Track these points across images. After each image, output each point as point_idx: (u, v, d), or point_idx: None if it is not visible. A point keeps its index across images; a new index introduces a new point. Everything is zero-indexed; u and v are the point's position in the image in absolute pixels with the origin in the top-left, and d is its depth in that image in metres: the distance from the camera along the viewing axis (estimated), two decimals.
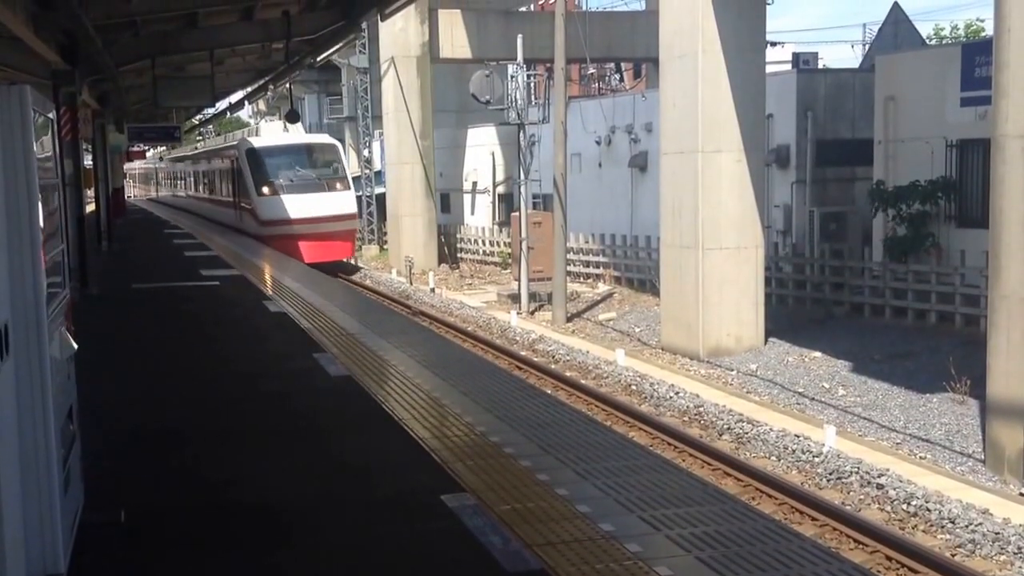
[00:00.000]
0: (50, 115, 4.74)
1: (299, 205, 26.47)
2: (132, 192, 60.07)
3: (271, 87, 29.35)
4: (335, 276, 23.18)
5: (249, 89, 30.58)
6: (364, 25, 24.88)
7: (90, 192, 22.77)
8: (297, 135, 30.67)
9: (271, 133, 31.28)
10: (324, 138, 30.93)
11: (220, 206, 32.53)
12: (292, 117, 27.95)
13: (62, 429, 4.30)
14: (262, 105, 53.89)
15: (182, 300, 14.08)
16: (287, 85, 30.96)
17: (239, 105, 37.44)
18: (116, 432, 6.89)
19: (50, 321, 4.13)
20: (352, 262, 30.67)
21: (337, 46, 22.30)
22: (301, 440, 6.69)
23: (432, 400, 7.49)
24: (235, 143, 30.75)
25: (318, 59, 22.61)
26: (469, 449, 6.24)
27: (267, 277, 16.42)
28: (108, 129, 25.85)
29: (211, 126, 48.58)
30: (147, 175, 61.27)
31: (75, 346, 4.65)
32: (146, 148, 48.82)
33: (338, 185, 27.54)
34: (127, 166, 47.96)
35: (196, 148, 44.46)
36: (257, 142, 28.84)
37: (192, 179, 40.31)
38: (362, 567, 4.65)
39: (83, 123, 16.43)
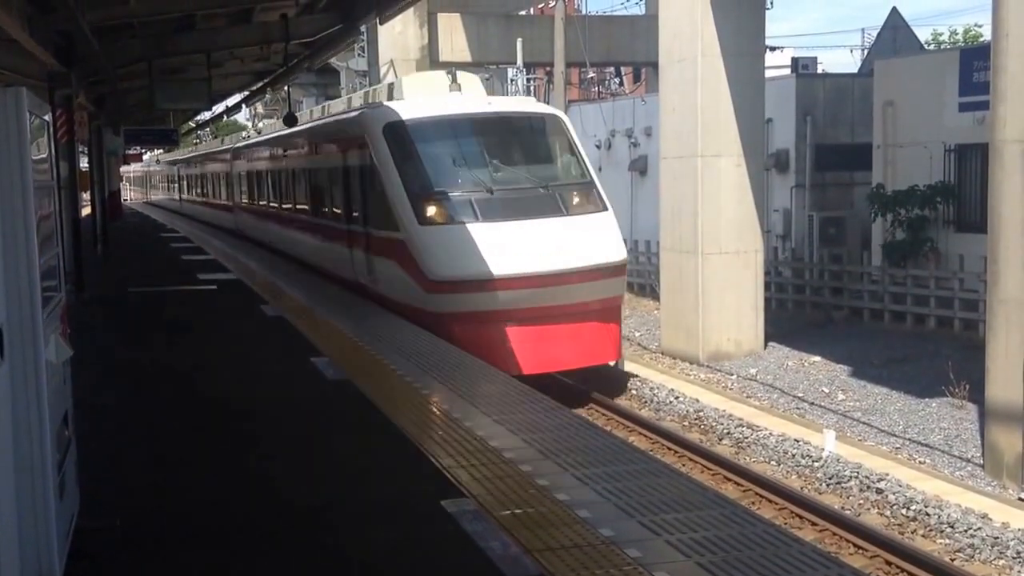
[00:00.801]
0: (46, 117, 4.71)
1: (512, 247, 12.49)
2: (130, 195, 60.00)
3: (269, 90, 29.26)
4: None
5: (247, 92, 30.53)
6: (363, 28, 24.88)
7: (86, 195, 22.73)
8: (477, 96, 15.20)
9: (422, 91, 15.18)
10: (534, 105, 15.89)
11: (317, 236, 17.35)
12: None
13: (57, 434, 4.27)
14: (260, 108, 53.89)
15: (179, 304, 14.05)
16: (285, 88, 30.41)
17: (236, 108, 37.36)
18: (112, 436, 6.85)
19: (45, 325, 4.09)
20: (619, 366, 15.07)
21: (335, 49, 22.28)
22: (298, 444, 6.66)
23: (431, 404, 7.45)
24: (352, 115, 15.87)
25: (316, 62, 22.58)
26: (469, 454, 6.20)
27: (264, 281, 16.37)
28: (104, 132, 25.80)
29: (208, 129, 48.43)
30: (157, 176, 53.14)
31: (71, 350, 4.62)
32: (143, 151, 48.80)
33: (579, 200, 13.47)
34: (124, 169, 47.83)
35: (254, 133, 29.47)
36: (405, 110, 13.98)
37: (248, 183, 24.99)
38: (361, 572, 4.62)
39: (79, 126, 16.40)
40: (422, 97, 14.76)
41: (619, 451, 6.27)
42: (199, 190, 35.52)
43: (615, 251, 13.20)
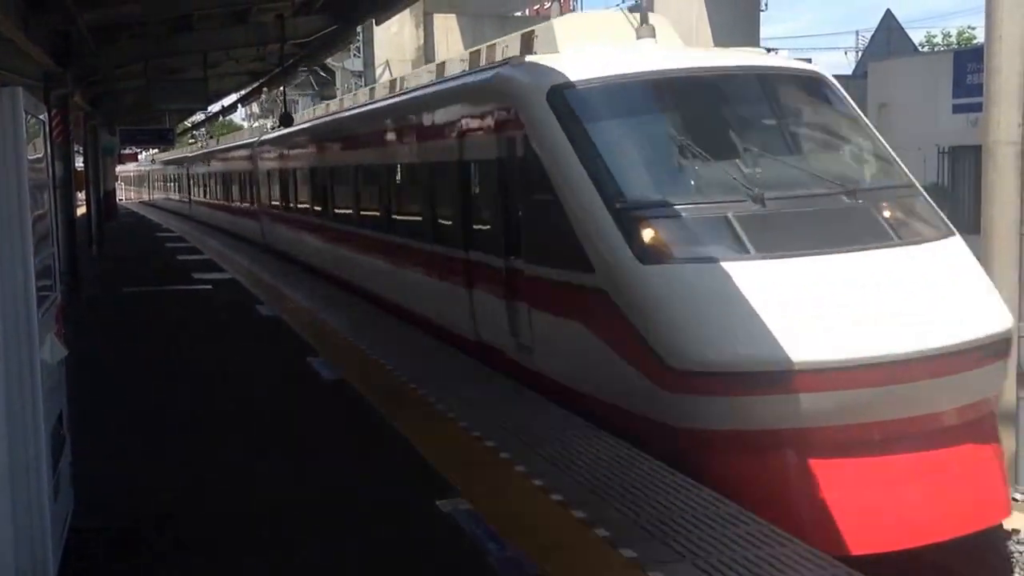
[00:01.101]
0: (41, 117, 4.71)
1: (825, 306, 6.46)
2: (125, 195, 59.88)
3: (265, 90, 29.21)
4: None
5: (243, 92, 30.51)
6: (359, 28, 24.86)
7: (81, 195, 22.69)
8: (680, 47, 9.39)
9: (586, 39, 8.95)
10: (779, 59, 11.28)
11: (402, 263, 11.69)
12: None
13: (52, 434, 4.26)
14: (256, 108, 53.81)
15: (174, 303, 14.03)
16: (281, 88, 30.26)
17: (232, 108, 37.39)
18: (107, 436, 6.84)
19: (41, 324, 4.09)
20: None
21: (331, 50, 22.27)
22: (294, 443, 6.65)
23: (427, 404, 7.45)
24: (481, 77, 9.60)
25: (312, 63, 22.55)
26: (465, 454, 6.20)
27: (260, 280, 16.34)
28: (100, 131, 25.77)
29: (204, 129, 48.32)
30: (157, 175, 49.24)
31: (66, 350, 4.61)
32: (138, 151, 48.72)
33: (906, 216, 7.54)
34: (119, 168, 47.72)
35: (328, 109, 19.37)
36: (578, 67, 8.06)
37: (300, 184, 17.92)
38: (358, 573, 4.62)
39: (75, 126, 16.38)
40: (588, 32, 9.20)
41: (616, 453, 6.26)
42: (219, 192, 28.98)
43: (995, 313, 7.00)
